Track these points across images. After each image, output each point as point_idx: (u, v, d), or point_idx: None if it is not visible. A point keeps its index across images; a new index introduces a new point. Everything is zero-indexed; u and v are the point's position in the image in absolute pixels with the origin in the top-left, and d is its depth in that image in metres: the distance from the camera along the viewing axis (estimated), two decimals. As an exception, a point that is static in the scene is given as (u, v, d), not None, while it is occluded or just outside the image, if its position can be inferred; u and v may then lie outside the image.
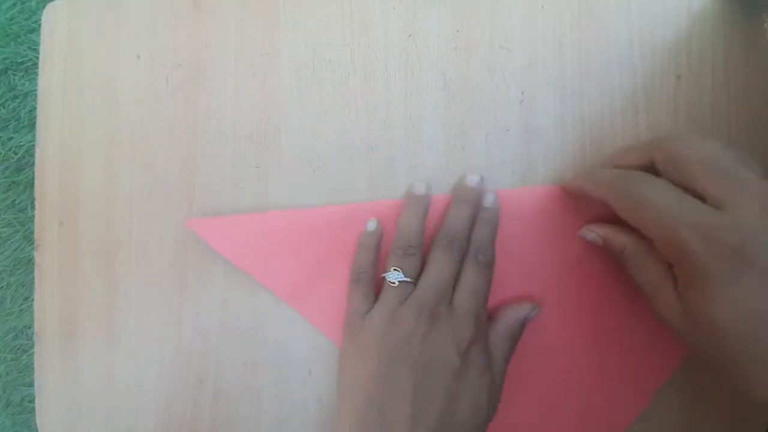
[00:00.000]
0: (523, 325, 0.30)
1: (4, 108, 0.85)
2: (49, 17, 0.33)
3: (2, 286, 0.86)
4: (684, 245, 0.22)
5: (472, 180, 0.31)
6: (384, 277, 0.29)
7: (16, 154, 0.85)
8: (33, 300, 0.33)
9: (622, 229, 0.27)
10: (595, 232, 0.29)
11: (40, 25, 0.33)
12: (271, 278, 0.31)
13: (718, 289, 0.21)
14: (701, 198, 0.23)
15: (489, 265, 0.29)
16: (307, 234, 0.31)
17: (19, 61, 0.85)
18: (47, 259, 0.33)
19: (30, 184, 0.84)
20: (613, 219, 0.27)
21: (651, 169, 0.26)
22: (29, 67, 0.85)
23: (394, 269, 0.29)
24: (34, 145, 0.33)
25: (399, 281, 0.29)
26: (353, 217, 0.31)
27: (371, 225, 0.31)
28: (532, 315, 0.30)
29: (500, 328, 0.29)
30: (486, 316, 0.29)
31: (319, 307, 0.31)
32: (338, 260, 0.31)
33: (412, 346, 0.27)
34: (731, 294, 0.21)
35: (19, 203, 0.85)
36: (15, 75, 0.85)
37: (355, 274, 0.30)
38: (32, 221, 0.33)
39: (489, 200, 0.31)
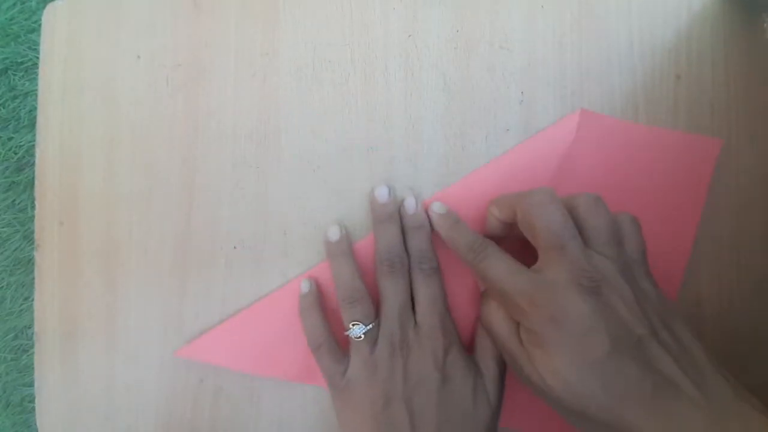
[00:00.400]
0: None
1: (4, 108, 0.85)
2: (49, 17, 0.33)
3: (2, 286, 0.86)
4: (519, 310, 0.26)
5: (382, 195, 0.31)
6: (347, 335, 0.29)
7: (16, 154, 0.85)
8: (33, 300, 0.33)
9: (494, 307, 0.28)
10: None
11: (40, 25, 0.33)
12: (280, 368, 0.32)
13: (549, 345, 0.25)
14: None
15: (435, 270, 0.30)
16: (289, 313, 0.31)
17: (19, 61, 0.85)
18: (47, 259, 0.33)
19: (30, 184, 0.84)
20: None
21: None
22: (29, 67, 0.85)
23: (353, 324, 0.29)
24: (34, 145, 0.33)
25: (363, 333, 0.29)
26: (324, 277, 0.31)
27: (304, 287, 0.31)
28: None
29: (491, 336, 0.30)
30: (450, 318, 0.30)
31: None
32: (332, 318, 0.31)
33: (396, 382, 0.28)
34: (560, 348, 0.24)
35: (19, 203, 0.85)
36: (15, 75, 0.85)
37: (313, 343, 0.30)
38: (32, 221, 0.33)
39: (411, 207, 0.31)
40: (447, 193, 0.31)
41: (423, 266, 0.30)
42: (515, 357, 0.27)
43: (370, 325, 0.29)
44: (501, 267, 0.27)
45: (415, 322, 0.29)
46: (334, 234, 0.31)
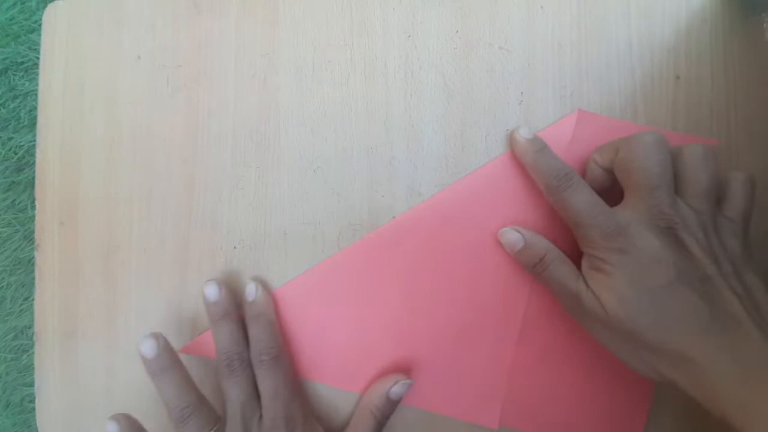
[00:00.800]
0: (389, 399, 0.29)
1: (4, 108, 0.85)
2: (49, 17, 0.33)
3: (2, 286, 0.86)
4: (589, 240, 0.27)
5: (211, 294, 0.30)
6: None
7: (16, 154, 0.85)
8: (33, 300, 0.33)
9: (541, 236, 0.30)
10: (520, 233, 0.30)
11: (40, 25, 0.33)
12: None
13: (612, 268, 0.26)
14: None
15: (276, 358, 0.29)
16: (290, 309, 0.31)
17: (19, 61, 0.85)
18: (47, 259, 0.33)
19: (30, 184, 0.84)
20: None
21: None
22: (29, 67, 0.85)
23: None
24: (34, 145, 0.33)
25: None
26: (323, 276, 0.31)
27: (112, 430, 0.28)
28: (398, 389, 0.29)
29: (362, 405, 0.30)
30: (298, 403, 0.29)
31: (332, 368, 0.31)
32: (332, 318, 0.31)
33: None
34: (622, 271, 0.26)
35: (19, 203, 0.85)
36: (15, 75, 0.85)
37: None
38: (32, 221, 0.33)
39: (250, 294, 0.30)
40: (447, 193, 0.31)
41: (263, 358, 0.29)
42: (570, 289, 0.27)
43: None
44: (583, 198, 0.27)
45: (261, 414, 0.29)
46: (150, 350, 0.28)
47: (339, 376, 0.31)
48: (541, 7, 0.32)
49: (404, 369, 0.31)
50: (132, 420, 0.29)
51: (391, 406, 0.30)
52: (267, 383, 0.29)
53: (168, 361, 0.29)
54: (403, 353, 0.31)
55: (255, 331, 0.30)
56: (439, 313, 0.31)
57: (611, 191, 0.28)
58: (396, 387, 0.29)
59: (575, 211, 0.27)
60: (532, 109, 0.32)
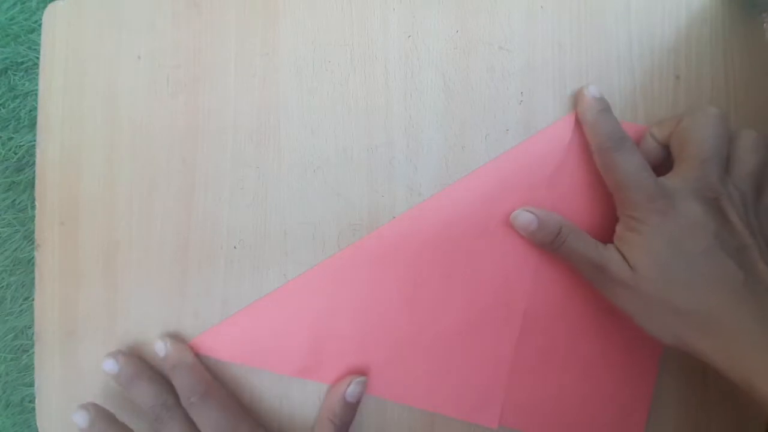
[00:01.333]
0: (347, 402, 0.29)
1: (4, 108, 0.85)
2: (49, 17, 0.33)
3: (2, 286, 0.86)
4: (632, 202, 0.27)
5: (109, 368, 0.30)
6: None
7: (16, 154, 0.85)
8: (33, 300, 0.33)
9: (553, 212, 0.30)
10: (532, 213, 0.30)
11: (40, 25, 0.33)
12: (281, 364, 0.31)
13: (650, 228, 0.26)
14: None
15: (204, 395, 0.29)
16: (291, 309, 0.31)
17: (19, 61, 0.85)
18: (47, 259, 0.33)
19: (30, 184, 0.84)
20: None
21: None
22: (29, 67, 0.85)
23: None
24: (34, 145, 0.33)
25: None
26: (324, 276, 0.31)
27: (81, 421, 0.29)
28: (354, 389, 0.29)
29: (321, 414, 0.30)
30: (244, 425, 0.29)
31: (333, 368, 0.31)
32: (332, 318, 0.31)
33: None
34: (660, 231, 0.26)
35: (19, 203, 0.85)
36: (15, 75, 0.85)
37: None
38: (32, 221, 0.33)
39: (161, 351, 0.30)
40: (447, 193, 0.31)
41: (192, 400, 0.29)
42: (590, 257, 0.28)
43: None
44: (632, 161, 0.28)
45: None
46: (82, 420, 0.29)
47: (338, 377, 0.31)
48: (541, 7, 0.32)
49: (404, 369, 0.31)
50: (101, 408, 0.29)
51: (350, 409, 0.30)
52: (205, 422, 0.29)
53: (104, 427, 0.29)
54: (403, 353, 0.31)
55: (177, 381, 0.30)
56: (439, 313, 0.31)
57: (659, 169, 0.29)
58: (351, 388, 0.29)
59: (622, 173, 0.28)
60: (532, 109, 0.32)
